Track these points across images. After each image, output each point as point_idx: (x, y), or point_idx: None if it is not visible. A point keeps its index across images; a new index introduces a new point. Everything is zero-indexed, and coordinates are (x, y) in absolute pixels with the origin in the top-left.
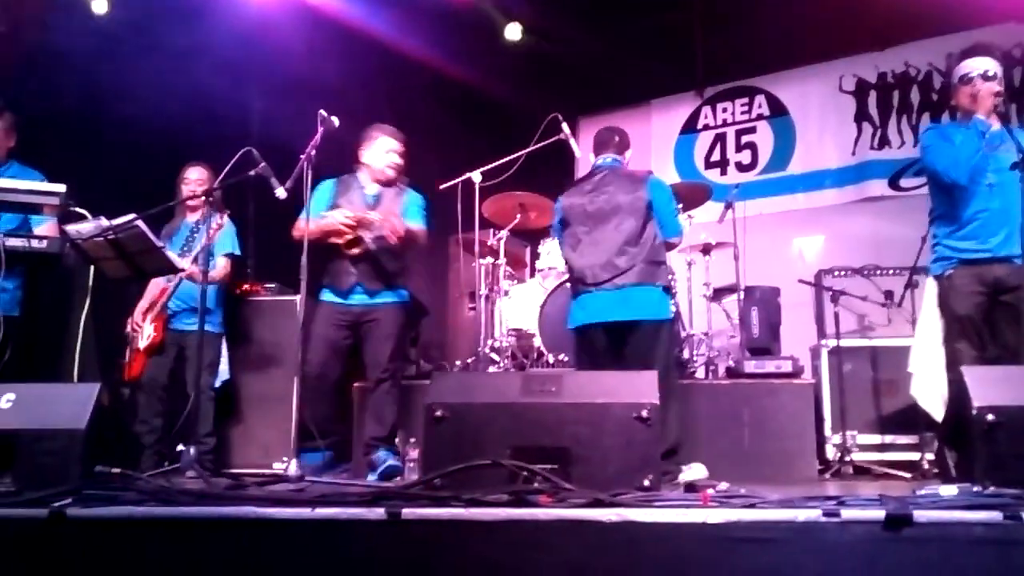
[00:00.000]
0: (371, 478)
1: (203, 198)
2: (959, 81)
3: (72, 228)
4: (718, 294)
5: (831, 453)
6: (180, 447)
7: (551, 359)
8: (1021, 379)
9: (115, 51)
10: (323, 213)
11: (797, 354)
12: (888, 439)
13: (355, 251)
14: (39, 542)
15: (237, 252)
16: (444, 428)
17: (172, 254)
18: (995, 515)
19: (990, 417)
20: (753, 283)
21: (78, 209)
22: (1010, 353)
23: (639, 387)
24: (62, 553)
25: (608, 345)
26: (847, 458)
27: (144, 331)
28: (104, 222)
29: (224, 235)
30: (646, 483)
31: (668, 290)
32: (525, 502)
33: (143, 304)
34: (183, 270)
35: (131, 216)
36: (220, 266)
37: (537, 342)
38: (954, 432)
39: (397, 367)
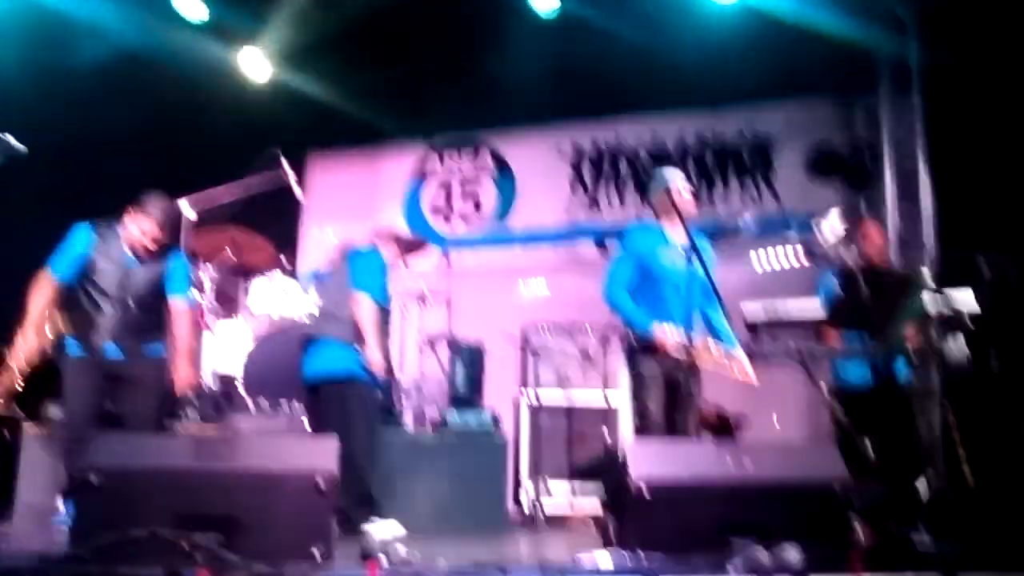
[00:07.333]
0: None
1: None
2: None
3: None
4: (431, 343)
5: (526, 503)
6: None
7: (253, 409)
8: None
9: None
10: None
11: (500, 405)
12: (578, 486)
13: None
14: None
15: None
16: (99, 495)
17: None
18: None
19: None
20: (466, 334)
21: None
22: None
23: (317, 453)
24: None
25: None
26: (540, 507)
27: None
28: None
29: None
30: (316, 554)
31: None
32: None
33: None
34: None
35: None
36: None
37: (240, 388)
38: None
39: None
